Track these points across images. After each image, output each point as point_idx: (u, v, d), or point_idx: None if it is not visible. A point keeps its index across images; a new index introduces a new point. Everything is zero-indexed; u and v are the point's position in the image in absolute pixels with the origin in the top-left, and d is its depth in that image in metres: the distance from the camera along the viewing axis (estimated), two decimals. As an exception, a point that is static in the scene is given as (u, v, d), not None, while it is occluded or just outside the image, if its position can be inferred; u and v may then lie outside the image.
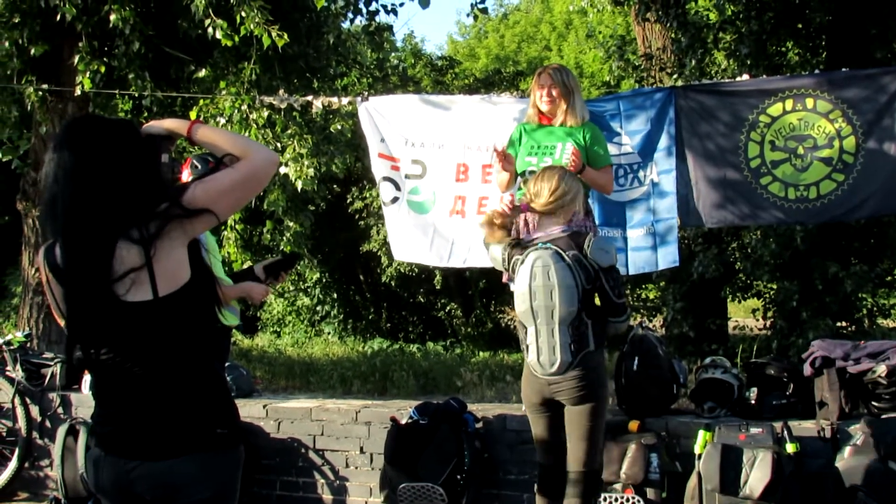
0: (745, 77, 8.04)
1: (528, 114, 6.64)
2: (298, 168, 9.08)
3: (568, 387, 5.10)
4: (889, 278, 11.90)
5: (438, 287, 18.04)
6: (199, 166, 6.00)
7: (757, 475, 5.60)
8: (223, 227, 10.15)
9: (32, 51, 9.47)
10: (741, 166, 7.24)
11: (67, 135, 2.98)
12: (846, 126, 7.00)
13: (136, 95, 9.67)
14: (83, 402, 7.49)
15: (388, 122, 7.81)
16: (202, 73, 9.77)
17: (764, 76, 9.11)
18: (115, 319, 2.84)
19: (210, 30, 8.52)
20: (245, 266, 9.79)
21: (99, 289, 2.82)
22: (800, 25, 11.08)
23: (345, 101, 8.26)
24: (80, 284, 2.88)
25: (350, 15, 11.24)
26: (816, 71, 9.94)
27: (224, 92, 9.21)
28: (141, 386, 2.89)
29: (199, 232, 2.98)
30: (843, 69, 7.81)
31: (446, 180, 7.67)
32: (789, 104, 7.12)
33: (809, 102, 7.08)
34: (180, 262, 2.90)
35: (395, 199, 7.81)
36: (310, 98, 8.40)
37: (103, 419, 3.00)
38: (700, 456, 5.83)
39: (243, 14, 8.24)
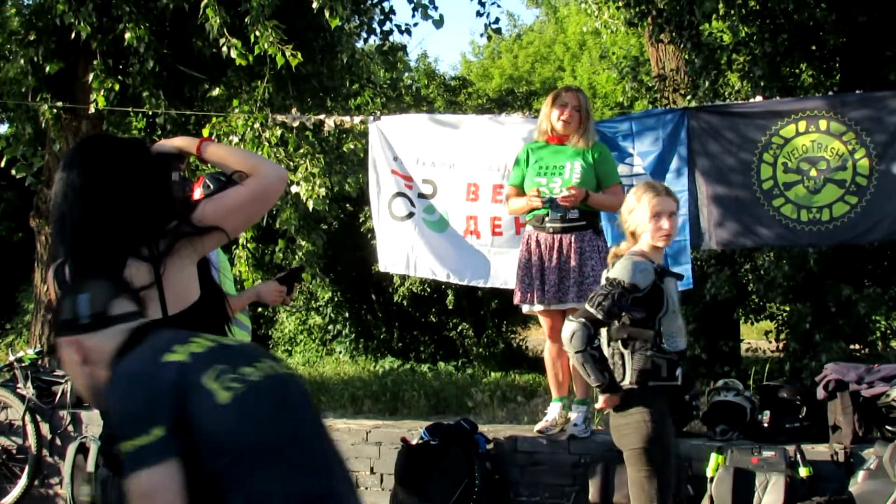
0: (759, 98, 8.03)
1: (538, 129, 6.64)
2: (310, 187, 9.09)
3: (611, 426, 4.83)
4: (903, 301, 11.84)
5: (450, 307, 17.99)
6: (212, 185, 5.99)
7: (769, 499, 5.58)
8: (235, 246, 10.15)
9: (47, 68, 9.53)
10: (753, 188, 7.22)
11: (76, 154, 2.98)
12: (859, 148, 6.98)
13: (150, 113, 9.71)
14: (93, 419, 7.49)
15: (400, 140, 7.84)
16: (216, 91, 9.80)
17: (777, 98, 9.09)
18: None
19: (224, 49, 8.55)
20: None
21: (107, 307, 2.80)
22: (814, 47, 11.05)
23: (357, 119, 8.29)
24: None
25: (364, 34, 11.28)
26: (830, 93, 9.92)
27: (237, 110, 9.23)
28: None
29: (209, 250, 2.96)
30: (857, 91, 7.79)
31: (457, 200, 7.69)
32: (802, 126, 7.11)
33: (822, 124, 7.07)
34: (190, 281, 2.88)
35: (410, 215, 7.81)
36: (322, 117, 8.43)
37: (111, 439, 2.98)
38: (712, 479, 5.81)
39: (258, 33, 8.27)
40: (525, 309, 6.53)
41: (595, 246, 6.34)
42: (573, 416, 6.53)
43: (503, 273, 7.60)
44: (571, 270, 6.25)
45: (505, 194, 6.99)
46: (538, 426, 6.62)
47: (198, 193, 6.00)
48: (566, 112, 6.44)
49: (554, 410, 6.64)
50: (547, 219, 6.33)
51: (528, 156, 6.58)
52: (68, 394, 7.73)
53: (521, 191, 6.58)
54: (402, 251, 7.89)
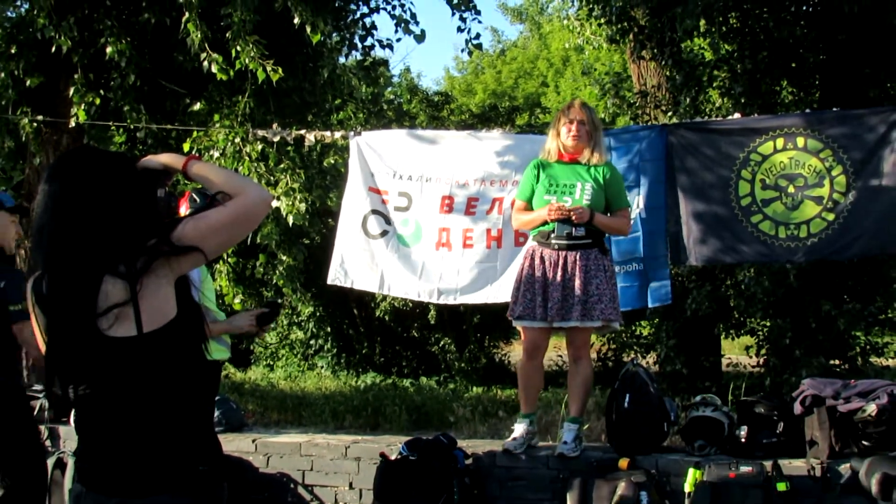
0: (737, 115, 8.09)
1: (546, 150, 6.61)
2: (290, 202, 9.09)
3: None
4: (882, 317, 11.87)
5: (432, 322, 17.99)
6: (199, 200, 5.98)
7: (746, 514, 5.59)
8: (216, 260, 10.13)
9: (28, 82, 9.48)
10: (731, 204, 7.27)
11: (60, 165, 2.98)
12: (837, 165, 7.05)
13: (131, 128, 9.68)
14: (72, 435, 7.45)
15: (379, 155, 7.87)
16: (197, 106, 9.79)
17: (756, 115, 9.15)
18: (97, 354, 2.82)
19: (206, 63, 8.54)
20: (236, 300, 9.81)
21: (82, 322, 2.80)
22: (794, 65, 11.12)
23: (337, 135, 8.30)
24: (63, 316, 2.86)
25: (346, 50, 11.27)
26: (808, 110, 10.00)
27: (218, 125, 9.23)
28: (122, 422, 2.86)
29: (186, 270, 2.94)
30: (835, 108, 7.85)
31: (430, 212, 7.72)
32: (780, 143, 7.17)
33: (800, 141, 7.13)
34: (166, 299, 2.87)
35: (384, 233, 7.82)
36: (303, 132, 8.44)
37: (85, 454, 2.98)
38: (690, 494, 5.81)
39: (239, 48, 8.26)
40: (522, 324, 6.49)
41: (600, 265, 6.32)
42: (564, 434, 6.52)
43: (475, 290, 7.63)
44: (575, 288, 6.22)
45: (512, 208, 6.95)
46: (505, 444, 6.59)
47: (184, 209, 6.02)
48: (574, 127, 6.43)
49: (521, 427, 6.61)
50: (553, 235, 6.32)
51: (539, 172, 6.56)
52: (46, 409, 7.69)
53: (529, 206, 6.57)
54: (375, 270, 7.90)
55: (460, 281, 7.68)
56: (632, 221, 7.28)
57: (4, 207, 5.40)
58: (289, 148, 9.47)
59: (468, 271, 7.66)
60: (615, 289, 6.45)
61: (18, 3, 9.83)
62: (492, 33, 42.80)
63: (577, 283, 6.21)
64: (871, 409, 5.80)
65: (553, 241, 6.31)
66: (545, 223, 6.36)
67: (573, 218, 6.22)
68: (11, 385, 5.22)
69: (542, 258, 6.35)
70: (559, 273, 6.25)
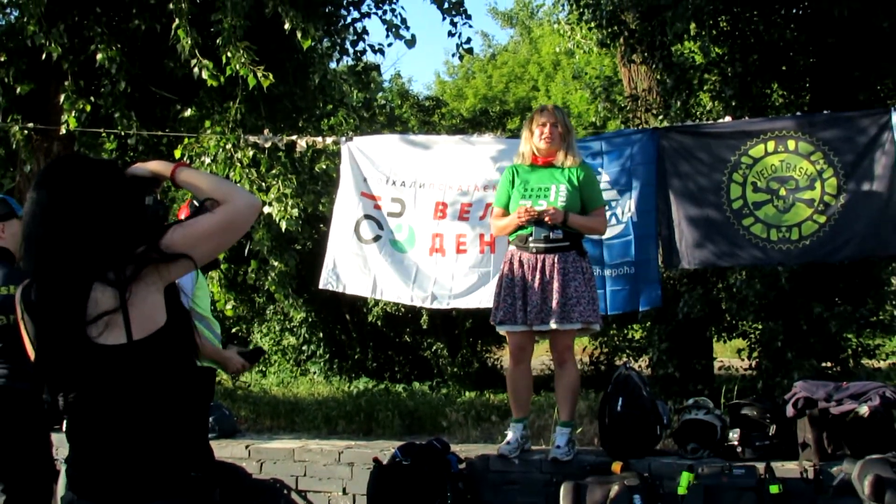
0: (728, 119, 8.10)
1: (520, 153, 6.63)
2: (282, 208, 9.08)
3: None
4: (873, 319, 11.89)
5: (425, 327, 17.97)
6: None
7: (740, 517, 5.60)
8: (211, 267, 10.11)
9: (18, 89, 9.47)
10: (723, 207, 7.28)
11: (47, 173, 2.96)
12: (827, 168, 7.06)
13: (122, 134, 9.66)
14: (63, 442, 7.40)
15: (371, 161, 7.85)
16: (188, 112, 9.78)
17: (747, 118, 9.16)
18: (86, 362, 2.81)
19: (196, 70, 8.54)
20: (227, 306, 9.79)
21: (71, 330, 2.79)
22: (784, 68, 11.15)
23: (329, 140, 8.29)
24: (52, 324, 2.85)
25: (337, 55, 11.27)
26: (799, 113, 10.02)
27: (209, 131, 9.22)
28: (113, 430, 2.84)
29: (175, 277, 2.93)
30: (825, 111, 7.87)
31: (424, 218, 7.70)
32: (771, 146, 7.18)
33: (791, 144, 7.14)
34: (156, 306, 2.85)
35: (377, 238, 7.80)
36: (294, 137, 8.43)
37: (76, 462, 2.97)
38: (683, 497, 5.81)
39: (229, 54, 8.27)
40: (504, 329, 6.49)
41: (578, 267, 6.32)
42: (557, 438, 6.51)
43: (468, 294, 7.63)
44: (554, 291, 6.21)
45: (491, 214, 6.96)
46: (499, 448, 6.59)
47: (184, 216, 6.03)
48: (546, 130, 6.44)
49: (514, 432, 6.60)
50: (530, 239, 6.32)
51: (514, 177, 6.57)
52: (38, 416, 7.66)
53: (506, 212, 6.57)
54: (367, 274, 7.88)
55: (454, 286, 7.66)
56: (622, 225, 7.31)
57: (17, 216, 5.41)
58: (280, 153, 9.46)
59: (462, 276, 7.65)
60: (594, 291, 6.45)
61: (8, 10, 9.81)
62: (482, 38, 42.80)
63: (556, 285, 6.21)
64: (864, 411, 5.80)
65: (531, 245, 6.31)
66: (520, 227, 6.37)
67: (546, 219, 6.23)
68: (31, 392, 5.22)
69: (520, 262, 6.35)
70: (538, 276, 6.26)
